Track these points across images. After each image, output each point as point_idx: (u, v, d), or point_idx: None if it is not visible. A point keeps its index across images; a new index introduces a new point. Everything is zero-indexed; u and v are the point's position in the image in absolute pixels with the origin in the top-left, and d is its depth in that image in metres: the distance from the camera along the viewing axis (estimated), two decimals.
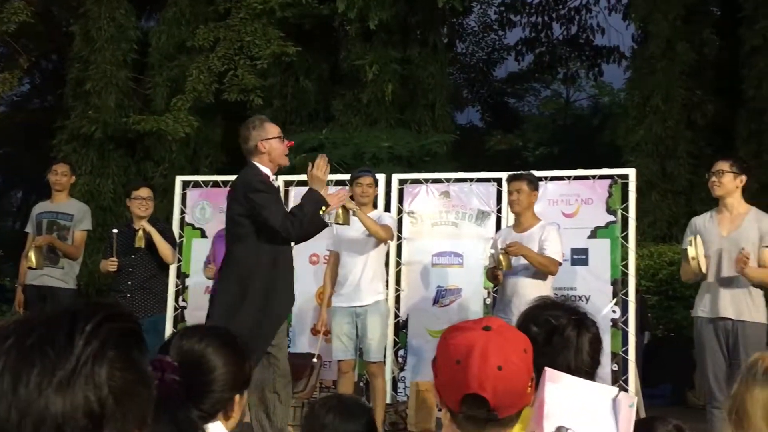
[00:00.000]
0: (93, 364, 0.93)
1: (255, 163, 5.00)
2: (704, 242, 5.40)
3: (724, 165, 5.46)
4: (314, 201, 4.92)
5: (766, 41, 12.62)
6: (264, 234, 4.82)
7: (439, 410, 1.91)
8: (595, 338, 2.25)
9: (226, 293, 4.88)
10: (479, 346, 1.74)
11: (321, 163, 5.04)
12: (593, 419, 1.50)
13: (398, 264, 8.04)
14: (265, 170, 5.01)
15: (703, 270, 5.29)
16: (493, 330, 1.78)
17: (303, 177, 8.97)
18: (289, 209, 8.32)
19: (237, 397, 1.97)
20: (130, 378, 0.96)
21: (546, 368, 1.52)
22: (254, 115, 5.47)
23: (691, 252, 5.23)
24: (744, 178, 5.47)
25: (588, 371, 2.16)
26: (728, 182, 5.42)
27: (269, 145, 5.01)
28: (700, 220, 5.62)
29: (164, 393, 1.63)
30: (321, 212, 4.90)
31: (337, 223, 6.53)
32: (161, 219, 7.72)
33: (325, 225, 5.11)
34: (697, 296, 5.52)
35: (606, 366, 7.32)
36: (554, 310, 2.27)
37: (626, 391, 7.27)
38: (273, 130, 5.08)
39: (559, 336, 2.19)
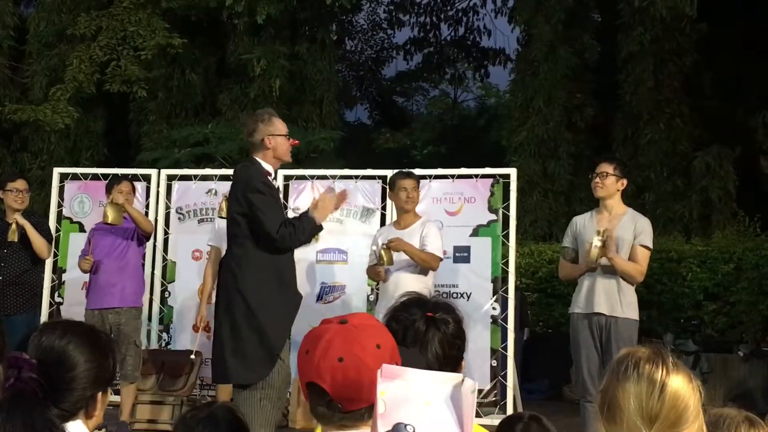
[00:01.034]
0: None
1: (257, 159, 4.82)
2: (583, 241, 5.57)
3: (608, 167, 5.60)
4: (313, 226, 4.76)
5: (642, 48, 13.10)
6: (260, 237, 4.63)
7: None
8: (448, 336, 2.28)
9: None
10: (326, 337, 1.76)
11: (338, 201, 4.91)
12: (434, 410, 1.51)
13: None
14: (267, 167, 4.81)
15: (597, 261, 5.43)
16: (349, 324, 1.79)
17: (186, 172, 8.87)
18: (173, 205, 8.22)
19: (99, 395, 1.91)
20: None
21: (383, 365, 1.53)
22: (263, 108, 5.41)
23: (596, 241, 5.35)
24: (625, 181, 5.66)
25: (440, 368, 2.18)
26: (611, 184, 5.58)
27: (275, 141, 4.84)
28: (581, 219, 5.79)
29: (20, 391, 1.57)
30: (315, 238, 4.78)
31: (221, 217, 6.48)
32: (37, 212, 7.46)
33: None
34: (574, 293, 5.69)
35: (486, 361, 7.48)
36: (414, 308, 2.31)
37: (510, 384, 7.44)
38: (281, 126, 4.92)
39: (411, 333, 2.25)
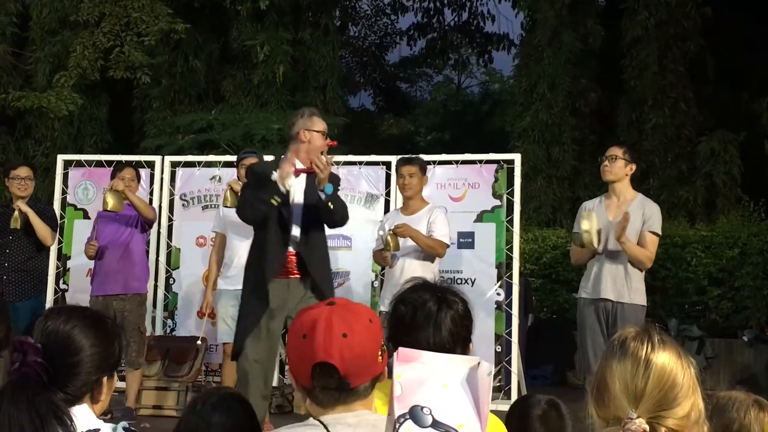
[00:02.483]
0: None
1: (289, 153, 4.96)
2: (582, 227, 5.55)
3: (618, 151, 5.59)
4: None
5: (646, 33, 13.06)
6: None
7: None
8: (460, 315, 2.29)
9: None
10: (323, 318, 1.82)
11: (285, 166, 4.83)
12: (451, 393, 1.52)
13: None
14: (296, 162, 4.87)
15: (595, 245, 5.42)
16: (337, 304, 1.88)
17: (190, 158, 8.86)
18: (177, 192, 8.23)
19: (105, 379, 1.91)
20: None
21: (399, 348, 1.54)
22: (305, 106, 5.51)
23: (584, 225, 5.36)
24: (634, 166, 5.62)
25: (449, 348, 2.20)
26: (619, 169, 5.55)
27: (311, 136, 4.93)
28: (590, 204, 5.77)
29: (25, 375, 1.58)
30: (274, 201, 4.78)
31: (225, 206, 6.45)
32: (42, 199, 7.46)
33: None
34: (582, 278, 5.69)
35: (490, 347, 7.48)
36: (422, 291, 2.32)
37: (509, 368, 7.45)
38: (320, 124, 5.01)
39: (421, 312, 2.25)
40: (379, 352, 1.86)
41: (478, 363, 1.55)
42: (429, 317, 2.24)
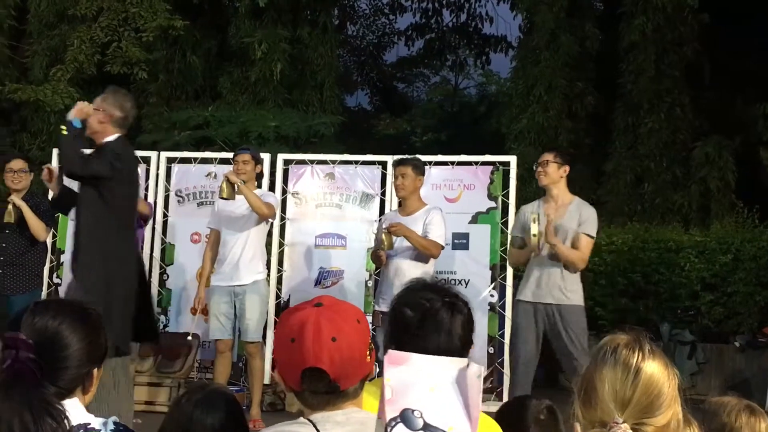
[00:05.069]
0: None
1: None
2: (529, 229, 5.66)
3: (549, 156, 5.82)
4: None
5: (643, 37, 13.08)
6: None
7: None
8: (467, 320, 2.28)
9: None
10: (311, 321, 1.80)
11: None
12: (440, 396, 1.53)
13: (281, 244, 8.01)
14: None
15: (539, 247, 5.61)
16: (325, 306, 1.85)
17: (186, 154, 8.86)
18: (173, 188, 8.23)
19: (95, 370, 1.93)
20: None
21: (389, 351, 1.54)
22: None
23: (534, 229, 5.53)
24: (567, 168, 5.84)
25: (459, 353, 2.19)
26: (553, 172, 5.75)
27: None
28: (528, 208, 5.97)
29: (19, 372, 1.58)
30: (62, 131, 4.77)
31: (222, 198, 6.44)
32: (39, 193, 7.44)
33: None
34: (521, 282, 5.91)
35: (482, 349, 7.50)
36: (427, 292, 2.28)
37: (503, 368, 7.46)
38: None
39: (432, 319, 2.21)
40: (367, 352, 1.86)
41: (468, 364, 1.56)
42: (440, 325, 2.20)
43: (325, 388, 1.80)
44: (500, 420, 2.47)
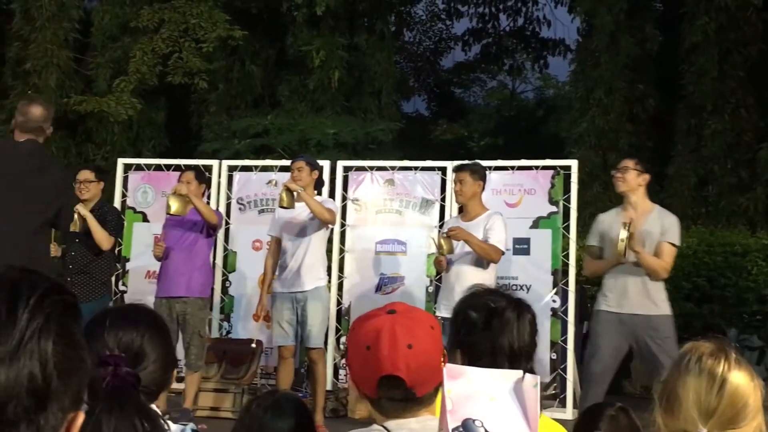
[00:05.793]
0: (39, 339, 0.89)
1: None
2: (610, 238, 5.53)
3: (629, 162, 5.68)
4: None
5: (706, 38, 12.85)
6: None
7: None
8: (534, 319, 2.29)
9: None
10: (387, 328, 1.79)
11: None
12: (499, 405, 1.53)
13: (342, 251, 8.04)
14: None
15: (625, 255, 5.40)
16: (398, 313, 1.84)
17: (247, 162, 8.96)
18: (234, 195, 8.32)
19: (174, 372, 1.98)
20: (72, 354, 0.93)
21: (446, 365, 1.55)
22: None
23: (623, 234, 5.32)
24: (647, 176, 5.68)
25: (529, 351, 2.21)
26: (632, 179, 5.59)
27: None
28: (607, 217, 5.81)
29: (119, 388, 1.61)
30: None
31: (281, 207, 6.47)
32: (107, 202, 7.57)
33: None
34: (600, 291, 5.68)
35: (545, 354, 7.43)
36: (491, 295, 2.30)
37: (568, 378, 7.38)
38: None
39: (498, 319, 2.22)
40: (441, 359, 1.85)
41: (523, 376, 1.56)
42: (508, 322, 2.22)
43: (402, 396, 1.79)
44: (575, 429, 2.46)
